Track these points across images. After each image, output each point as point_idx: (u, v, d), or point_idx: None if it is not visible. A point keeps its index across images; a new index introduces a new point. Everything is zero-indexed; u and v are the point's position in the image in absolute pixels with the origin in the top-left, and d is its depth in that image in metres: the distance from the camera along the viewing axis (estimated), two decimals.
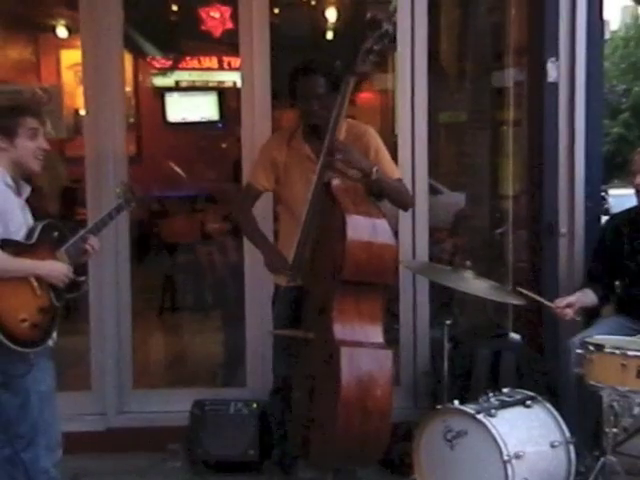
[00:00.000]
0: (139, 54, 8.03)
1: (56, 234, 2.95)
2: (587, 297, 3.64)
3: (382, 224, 3.05)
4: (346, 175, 3.17)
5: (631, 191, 3.69)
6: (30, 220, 2.93)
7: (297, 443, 3.33)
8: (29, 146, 2.90)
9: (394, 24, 3.16)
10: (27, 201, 2.97)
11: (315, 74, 3.33)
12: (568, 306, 3.51)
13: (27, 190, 2.98)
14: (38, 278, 2.81)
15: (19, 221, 2.86)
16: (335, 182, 3.12)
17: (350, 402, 2.88)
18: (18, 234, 2.84)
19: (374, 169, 3.19)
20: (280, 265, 3.32)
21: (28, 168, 2.93)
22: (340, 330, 2.98)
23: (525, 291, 3.53)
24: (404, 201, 3.49)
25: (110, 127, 4.23)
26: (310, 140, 3.42)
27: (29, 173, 2.96)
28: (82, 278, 3.06)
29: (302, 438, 3.25)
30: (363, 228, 3.01)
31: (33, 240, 2.86)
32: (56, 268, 2.87)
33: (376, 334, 3.03)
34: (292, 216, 3.40)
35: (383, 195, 3.32)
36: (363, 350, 2.96)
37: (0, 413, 2.88)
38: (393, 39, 3.09)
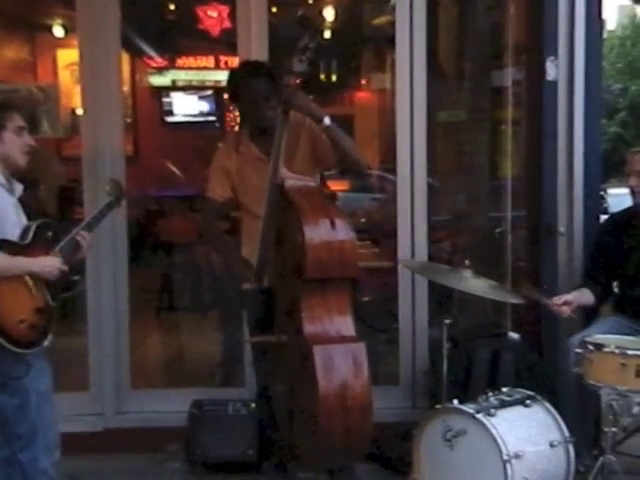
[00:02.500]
0: (136, 53, 8.01)
1: (50, 234, 2.94)
2: (584, 296, 3.64)
3: (338, 220, 3.03)
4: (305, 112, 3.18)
5: None
6: (24, 220, 2.92)
7: (284, 446, 3.32)
8: (16, 141, 2.89)
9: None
10: (22, 200, 2.96)
11: (260, 77, 3.34)
12: (565, 304, 3.50)
13: (19, 189, 2.97)
14: (33, 277, 2.79)
15: (13, 220, 2.85)
16: (288, 183, 3.11)
17: (329, 400, 2.87)
18: (13, 234, 2.83)
19: (325, 117, 3.17)
20: (248, 273, 3.33)
21: (15, 163, 2.91)
22: (311, 328, 2.97)
23: (526, 285, 3.53)
24: (357, 161, 3.39)
25: (107, 126, 4.23)
26: (257, 141, 3.44)
27: (15, 169, 2.93)
28: (76, 277, 3.04)
29: (288, 440, 3.24)
30: (320, 227, 3.00)
31: (28, 240, 2.85)
32: (48, 263, 2.85)
33: (347, 327, 3.02)
34: (254, 219, 3.39)
35: (336, 147, 3.25)
36: (336, 346, 2.95)
37: None
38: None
